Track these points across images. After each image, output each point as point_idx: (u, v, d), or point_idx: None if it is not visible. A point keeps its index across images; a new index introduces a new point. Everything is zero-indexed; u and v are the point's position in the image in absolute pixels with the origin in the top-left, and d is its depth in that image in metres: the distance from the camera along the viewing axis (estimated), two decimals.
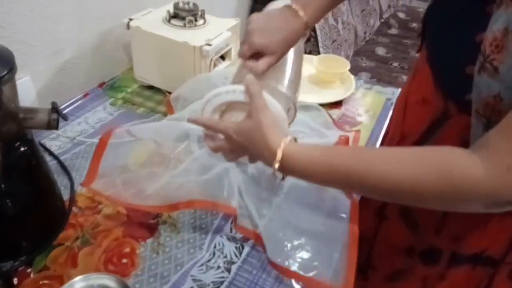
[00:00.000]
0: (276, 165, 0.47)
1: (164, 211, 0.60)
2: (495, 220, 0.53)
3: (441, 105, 0.53)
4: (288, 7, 0.55)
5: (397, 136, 0.66)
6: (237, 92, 0.52)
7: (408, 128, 0.63)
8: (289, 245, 0.58)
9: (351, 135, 0.72)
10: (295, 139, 0.50)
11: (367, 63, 1.72)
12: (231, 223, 0.62)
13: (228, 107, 0.57)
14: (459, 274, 0.60)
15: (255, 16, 0.55)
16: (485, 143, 0.39)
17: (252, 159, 0.54)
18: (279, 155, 0.47)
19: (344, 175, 0.46)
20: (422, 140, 0.58)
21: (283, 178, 0.52)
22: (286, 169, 0.48)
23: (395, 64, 1.73)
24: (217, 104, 0.55)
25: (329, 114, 0.76)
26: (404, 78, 1.59)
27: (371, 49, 1.82)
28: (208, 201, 0.59)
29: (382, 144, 0.77)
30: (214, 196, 0.60)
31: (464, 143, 0.44)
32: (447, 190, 0.40)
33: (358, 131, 0.72)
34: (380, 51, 1.83)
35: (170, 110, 0.79)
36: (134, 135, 0.69)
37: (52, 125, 0.53)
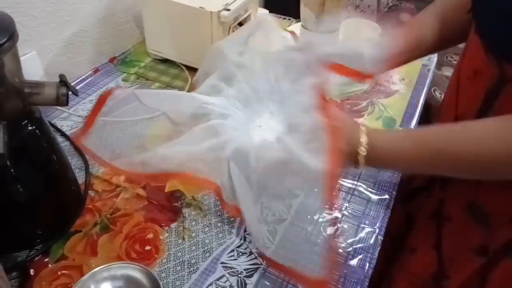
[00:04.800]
0: (363, 153, 0.45)
1: (144, 181, 0.56)
2: None
3: (494, 71, 0.46)
4: None
5: (450, 119, 0.59)
6: None
7: (462, 109, 0.55)
8: (267, 232, 0.51)
9: None
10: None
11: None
12: (261, 204, 0.56)
13: None
14: None
15: None
16: None
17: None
18: (364, 141, 0.45)
19: (435, 157, 0.44)
20: (479, 117, 0.50)
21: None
22: (371, 158, 0.45)
23: None
24: None
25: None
26: None
27: (395, 15, 1.71)
28: (189, 174, 0.52)
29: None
30: (198, 170, 0.52)
31: None
32: None
33: None
34: (406, 16, 1.71)
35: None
36: (142, 101, 0.61)
37: (61, 101, 0.47)
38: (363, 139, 0.45)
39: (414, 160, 0.45)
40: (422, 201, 0.61)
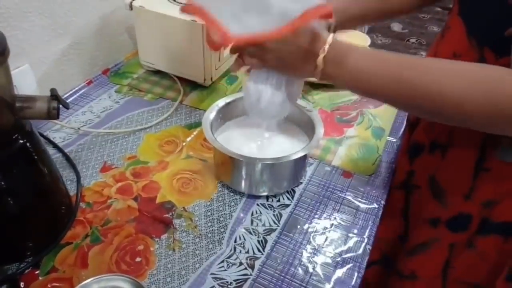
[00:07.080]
0: (326, 47, 0.44)
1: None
2: None
3: (475, 55, 0.47)
4: None
5: None
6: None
7: None
8: None
9: None
10: None
11: (383, 40, 1.64)
12: (252, 215, 0.57)
13: None
14: (488, 244, 0.54)
15: None
16: None
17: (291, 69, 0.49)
18: (330, 38, 0.45)
19: (397, 77, 0.43)
20: None
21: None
22: (335, 61, 0.45)
23: (413, 40, 1.64)
24: None
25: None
26: (423, 54, 1.51)
27: (386, 26, 1.74)
28: None
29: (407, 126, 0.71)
30: None
31: None
32: (493, 109, 0.38)
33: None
34: (396, 27, 1.74)
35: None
36: None
37: (52, 115, 0.48)
38: (329, 39, 0.45)
39: (374, 77, 0.44)
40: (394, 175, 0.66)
